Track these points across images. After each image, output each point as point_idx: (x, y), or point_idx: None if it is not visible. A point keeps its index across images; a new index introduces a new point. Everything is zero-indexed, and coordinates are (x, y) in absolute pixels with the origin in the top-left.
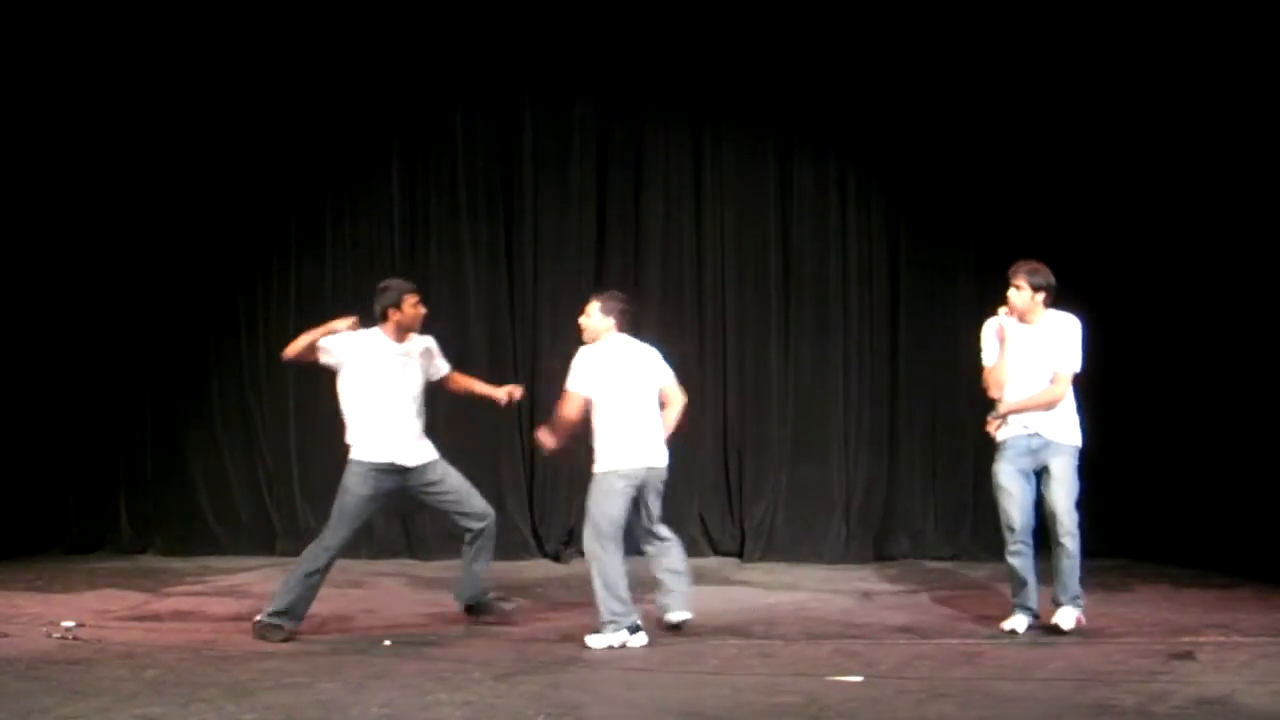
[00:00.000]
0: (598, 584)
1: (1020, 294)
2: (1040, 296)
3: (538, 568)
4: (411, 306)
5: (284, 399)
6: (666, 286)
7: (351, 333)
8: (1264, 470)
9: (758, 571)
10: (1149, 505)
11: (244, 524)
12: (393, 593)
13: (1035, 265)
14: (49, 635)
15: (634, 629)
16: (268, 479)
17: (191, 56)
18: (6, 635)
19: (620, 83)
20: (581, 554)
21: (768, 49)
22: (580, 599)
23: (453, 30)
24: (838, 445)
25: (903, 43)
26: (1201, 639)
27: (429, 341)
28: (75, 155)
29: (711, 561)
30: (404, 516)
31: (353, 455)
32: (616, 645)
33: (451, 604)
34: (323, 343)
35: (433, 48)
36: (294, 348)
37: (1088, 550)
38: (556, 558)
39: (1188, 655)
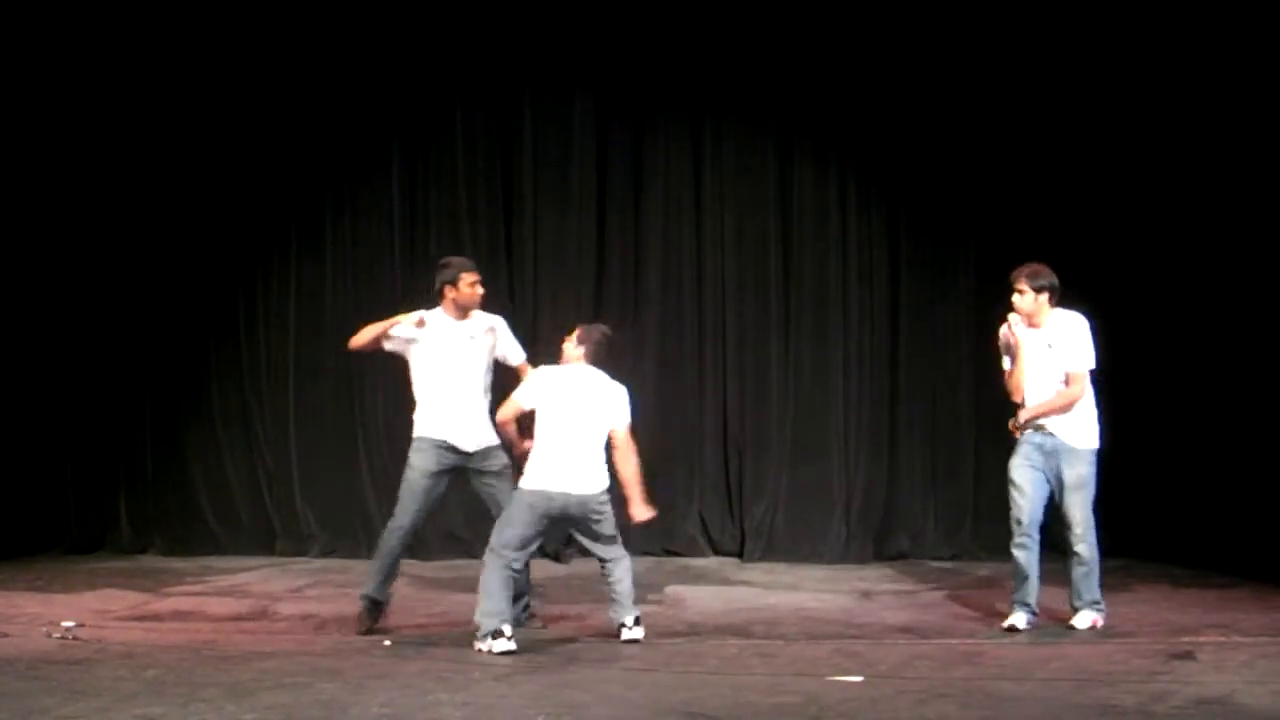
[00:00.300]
0: (480, 587)
1: (1024, 298)
2: (1044, 298)
3: (537, 568)
4: (469, 285)
5: (284, 399)
6: (666, 287)
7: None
8: (1264, 470)
9: (758, 571)
10: (1150, 505)
11: (244, 524)
12: (393, 593)
13: (1036, 267)
14: (49, 635)
15: (495, 634)
16: (268, 479)
17: (191, 56)
18: (6, 635)
19: (621, 83)
20: (581, 554)
21: (769, 50)
22: (581, 599)
23: (453, 30)
24: (838, 445)
25: (903, 44)
26: (1201, 639)
27: (496, 321)
28: (75, 155)
29: (711, 561)
30: None
31: (415, 431)
32: (485, 649)
33: (451, 604)
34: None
35: (433, 47)
36: (359, 339)
37: None
38: (556, 558)
39: (1188, 655)
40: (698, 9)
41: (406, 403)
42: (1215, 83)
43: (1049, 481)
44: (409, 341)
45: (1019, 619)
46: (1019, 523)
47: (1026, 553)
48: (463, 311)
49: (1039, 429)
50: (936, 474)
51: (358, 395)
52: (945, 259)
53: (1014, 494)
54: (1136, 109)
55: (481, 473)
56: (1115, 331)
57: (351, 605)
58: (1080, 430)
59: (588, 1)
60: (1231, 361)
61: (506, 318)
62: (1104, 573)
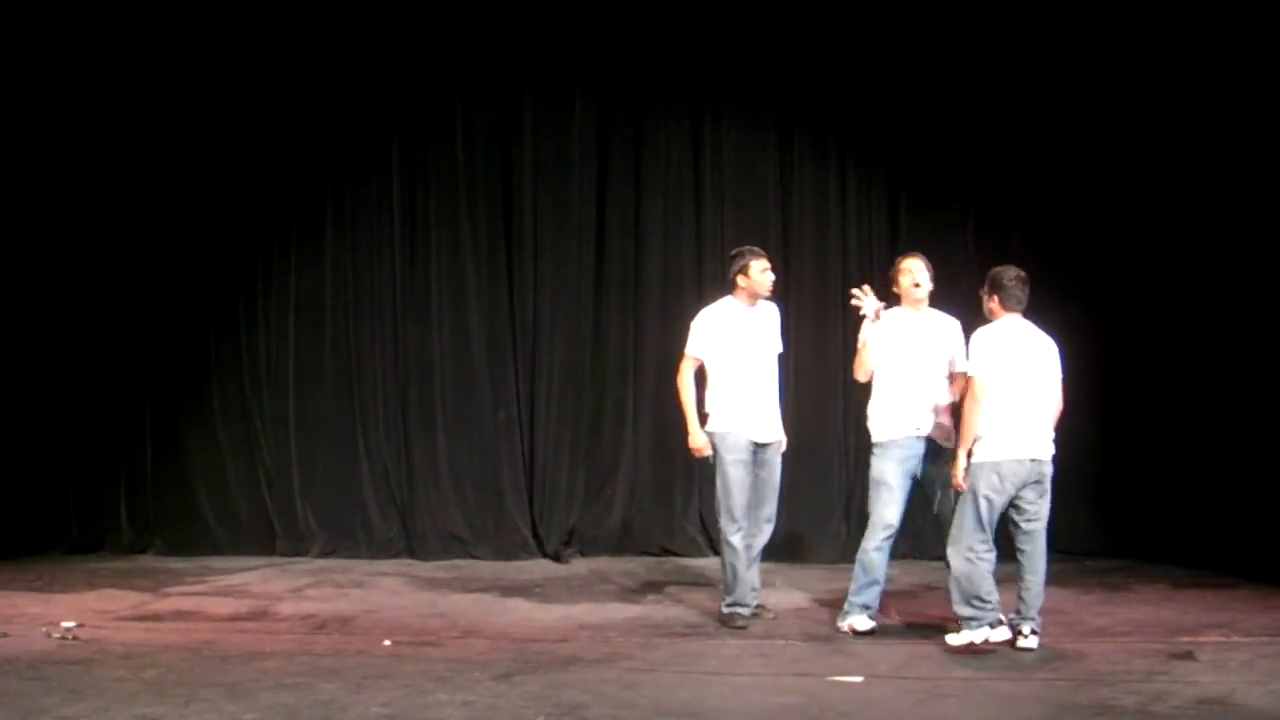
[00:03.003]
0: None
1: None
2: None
3: (538, 568)
4: (760, 273)
5: (284, 399)
6: (667, 283)
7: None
8: (1264, 470)
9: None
10: (1150, 505)
11: (244, 524)
12: (393, 593)
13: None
14: (49, 635)
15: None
16: (268, 479)
17: (191, 56)
18: (6, 635)
19: (620, 79)
20: (581, 554)
21: (769, 45)
22: (581, 599)
23: (453, 28)
24: (837, 445)
25: (903, 38)
26: (1201, 639)
27: (775, 312)
28: (75, 155)
29: (711, 561)
30: (404, 516)
31: (707, 427)
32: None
33: (451, 604)
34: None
35: (433, 45)
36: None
37: (1088, 550)
38: (557, 558)
39: (1188, 655)
40: (697, 4)
41: (407, 402)
42: (1218, 76)
43: (914, 483)
44: (709, 332)
45: (862, 622)
46: (888, 525)
47: (883, 555)
48: (754, 299)
49: (916, 432)
50: None
51: (358, 395)
52: (946, 255)
53: (885, 495)
54: (1140, 98)
55: (758, 465)
56: (1118, 331)
57: (351, 605)
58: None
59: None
60: (1232, 361)
61: (507, 317)
62: (1104, 573)
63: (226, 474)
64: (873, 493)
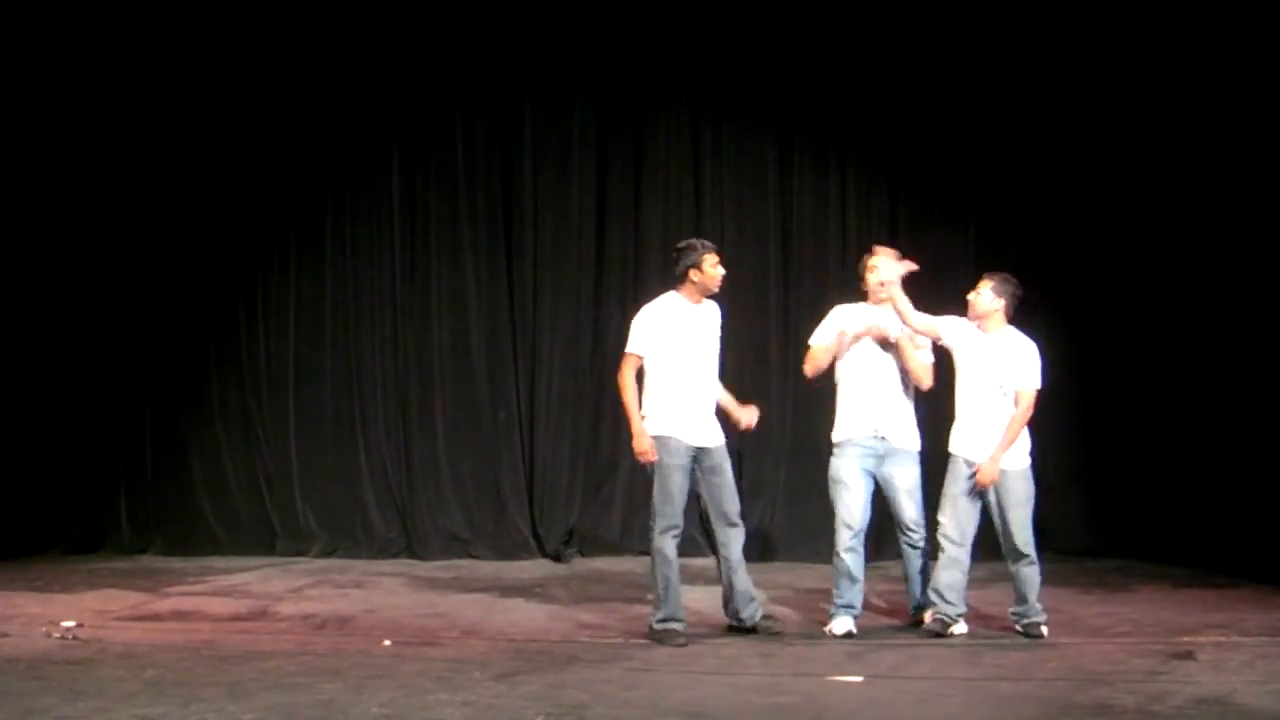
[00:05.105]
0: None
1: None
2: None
3: (538, 568)
4: (712, 267)
5: (284, 399)
6: (667, 284)
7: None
8: (1264, 470)
9: (757, 571)
10: (1149, 505)
11: (244, 524)
12: (393, 593)
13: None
14: (49, 635)
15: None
16: (268, 479)
17: (191, 57)
18: (6, 635)
19: (620, 82)
20: (581, 554)
21: (768, 48)
22: (581, 599)
23: (453, 31)
24: None
25: (903, 41)
26: (1201, 639)
27: (718, 311)
28: (76, 157)
29: (711, 561)
30: (404, 516)
31: (650, 430)
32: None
33: (451, 604)
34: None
35: (433, 49)
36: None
37: (1088, 550)
38: (557, 558)
39: (1188, 655)
40: (697, 7)
41: (407, 402)
42: (1218, 76)
43: (874, 482)
44: (650, 329)
45: (843, 624)
46: (849, 527)
47: (855, 556)
48: (701, 296)
49: (873, 432)
50: (935, 473)
51: (358, 395)
52: (945, 256)
53: (845, 496)
54: (1139, 100)
55: (706, 471)
56: (1117, 330)
57: (351, 605)
58: (910, 433)
59: (587, 2)
60: (1232, 361)
61: (507, 317)
62: (1104, 573)
63: (226, 474)
64: (831, 492)
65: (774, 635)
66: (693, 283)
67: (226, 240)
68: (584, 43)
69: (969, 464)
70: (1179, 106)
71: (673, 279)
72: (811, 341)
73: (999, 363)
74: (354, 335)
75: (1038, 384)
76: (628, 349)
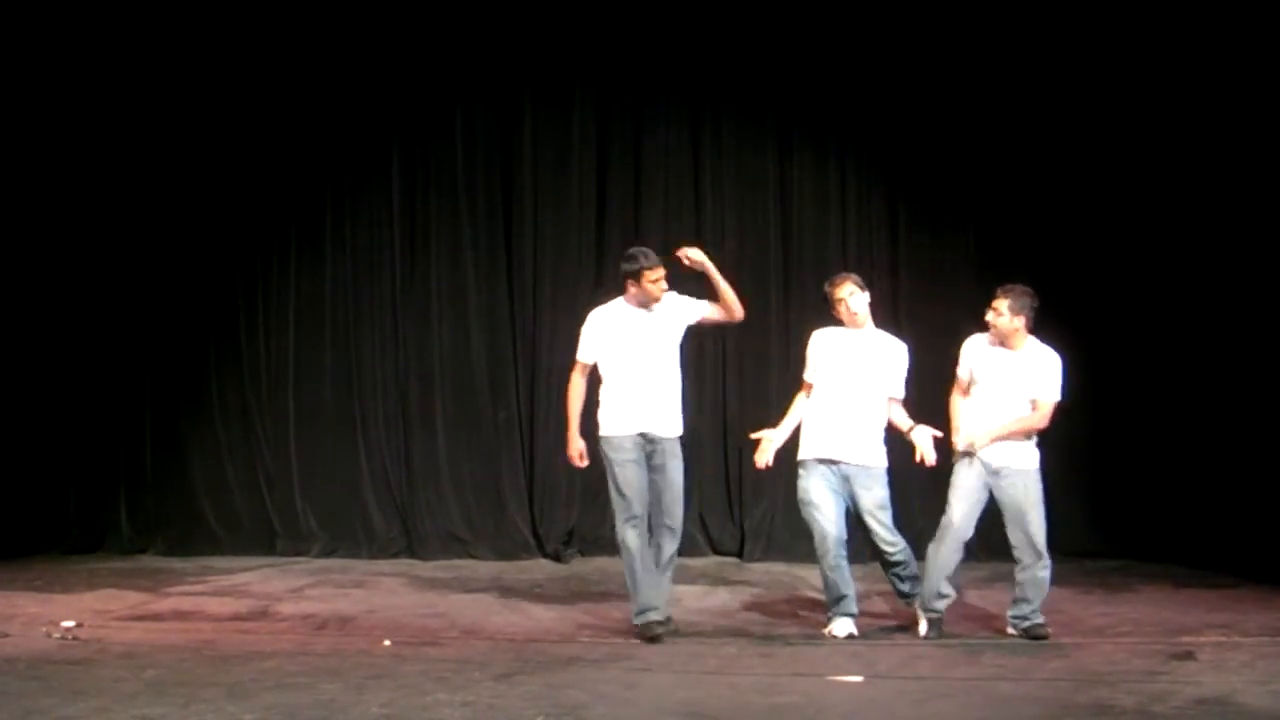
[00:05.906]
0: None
1: (1000, 318)
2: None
3: (538, 568)
4: (651, 283)
5: (284, 399)
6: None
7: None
8: (1264, 470)
9: (758, 571)
10: (1150, 505)
11: (244, 524)
12: (393, 593)
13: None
14: (49, 635)
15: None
16: (268, 479)
17: (192, 58)
18: (6, 635)
19: (620, 82)
20: (581, 554)
21: (768, 48)
22: (581, 599)
23: (453, 31)
24: None
25: (903, 43)
26: (1201, 639)
27: (675, 299)
28: (76, 156)
29: (711, 561)
30: (404, 516)
31: (600, 430)
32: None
33: (451, 604)
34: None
35: (433, 49)
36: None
37: (1088, 550)
38: (557, 558)
39: (1188, 655)
40: (697, 8)
41: (407, 402)
42: (1219, 77)
43: (842, 495)
44: (597, 333)
45: (844, 626)
46: (825, 539)
47: (841, 570)
48: (645, 304)
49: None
50: (936, 474)
51: (358, 395)
52: (945, 258)
53: (816, 515)
54: (1140, 100)
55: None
56: (1117, 330)
57: (351, 605)
58: (876, 451)
59: (587, 2)
60: (1233, 362)
61: (507, 317)
62: (1104, 573)
63: (226, 474)
64: (804, 514)
65: (652, 640)
66: (631, 292)
67: (226, 240)
68: (584, 43)
69: (987, 466)
70: (1176, 104)
71: (619, 283)
72: (806, 376)
73: (1028, 377)
74: (354, 335)
75: (1058, 396)
76: (576, 356)
